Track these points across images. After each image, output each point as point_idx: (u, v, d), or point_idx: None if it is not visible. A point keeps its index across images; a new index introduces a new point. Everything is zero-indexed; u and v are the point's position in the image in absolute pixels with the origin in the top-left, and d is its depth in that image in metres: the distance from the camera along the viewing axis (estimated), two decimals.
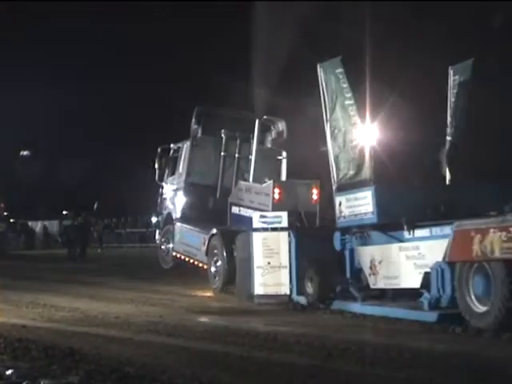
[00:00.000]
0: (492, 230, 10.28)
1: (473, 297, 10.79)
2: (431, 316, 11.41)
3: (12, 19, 48.52)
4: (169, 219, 21.86)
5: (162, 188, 22.55)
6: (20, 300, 15.95)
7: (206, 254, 18.82)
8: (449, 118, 14.67)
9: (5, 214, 43.08)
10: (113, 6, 44.61)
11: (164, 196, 22.47)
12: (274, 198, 17.41)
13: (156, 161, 22.45)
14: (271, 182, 18.03)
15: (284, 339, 10.18)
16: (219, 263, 18.20)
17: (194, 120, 20.87)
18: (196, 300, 16.44)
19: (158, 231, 23.09)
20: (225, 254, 17.81)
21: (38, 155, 56.95)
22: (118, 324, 12.27)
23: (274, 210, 16.73)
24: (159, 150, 22.39)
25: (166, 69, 47.13)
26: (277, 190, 17.50)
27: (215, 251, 18.43)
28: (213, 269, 18.50)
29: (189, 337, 10.76)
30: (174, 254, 21.06)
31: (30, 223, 51.87)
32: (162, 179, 22.52)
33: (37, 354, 9.26)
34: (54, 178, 56.20)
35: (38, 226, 52.04)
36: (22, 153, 57.47)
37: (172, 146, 21.99)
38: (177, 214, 21.31)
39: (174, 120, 22.45)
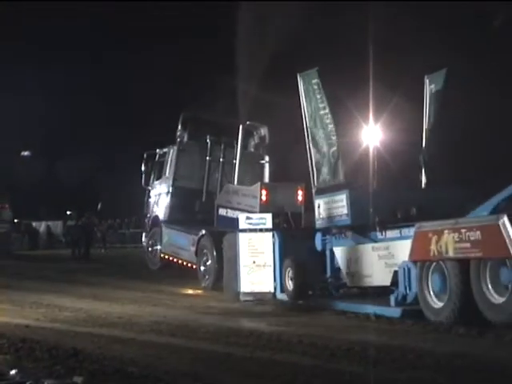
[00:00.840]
0: (446, 232, 11.18)
1: (431, 293, 11.63)
2: (396, 312, 12.23)
3: (12, 19, 48.51)
4: (155, 222, 22.60)
5: (149, 192, 23.29)
6: (23, 300, 15.99)
7: (196, 254, 19.52)
8: (425, 125, 15.41)
9: (9, 214, 43.02)
10: (111, 6, 44.61)
11: (150, 199, 23.21)
12: (261, 200, 18.06)
13: (142, 165, 23.30)
14: (258, 184, 18.69)
15: (287, 339, 10.20)
16: (209, 262, 18.92)
17: (180, 125, 21.64)
18: (198, 300, 16.47)
19: (144, 234, 23.74)
20: (215, 253, 18.49)
21: (40, 156, 56.90)
22: (122, 324, 12.30)
23: (261, 211, 17.43)
24: (145, 155, 23.29)
25: (166, 69, 47.21)
26: (264, 192, 18.14)
27: (205, 251, 19.16)
28: (202, 268, 19.25)
29: (192, 337, 10.79)
30: (162, 255, 21.76)
31: (33, 224, 51.83)
32: (148, 183, 23.34)
33: (40, 354, 9.28)
34: (57, 179, 56.20)
35: (41, 226, 51.99)
36: (22, 153, 57.39)
37: (158, 151, 22.84)
38: (164, 217, 22.05)
39: (176, 120, 22.65)
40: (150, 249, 22.73)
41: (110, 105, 54.63)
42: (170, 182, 21.74)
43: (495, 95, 14.23)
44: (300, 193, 18.28)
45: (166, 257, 21.53)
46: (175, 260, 21.09)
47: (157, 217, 22.45)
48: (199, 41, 42.95)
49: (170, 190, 21.71)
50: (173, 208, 21.62)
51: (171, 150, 21.86)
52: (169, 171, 21.92)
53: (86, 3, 45.63)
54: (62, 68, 49.49)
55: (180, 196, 21.43)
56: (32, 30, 53.84)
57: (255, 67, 18.60)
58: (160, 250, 21.94)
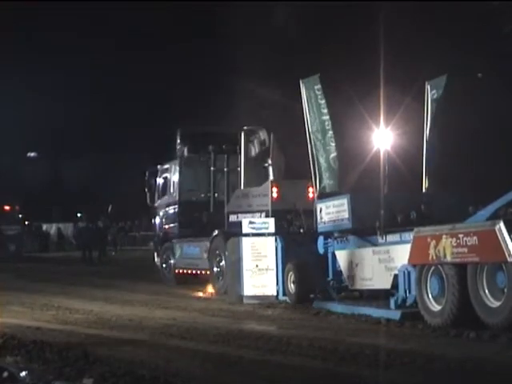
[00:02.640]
0: (444, 236, 11.34)
1: (430, 296, 11.80)
2: (395, 314, 12.42)
3: (13, 20, 48.69)
4: (166, 238, 22.55)
5: (156, 209, 23.37)
6: (34, 302, 16.04)
7: (209, 256, 19.33)
8: (426, 131, 15.49)
9: (19, 216, 43.21)
10: (112, 6, 44.85)
11: (158, 217, 23.28)
12: (272, 197, 18.19)
13: (146, 184, 23.50)
14: (269, 181, 18.81)
15: (297, 343, 10.17)
16: (222, 263, 18.73)
17: (179, 140, 21.69)
18: (209, 303, 16.47)
19: (156, 253, 23.46)
20: (227, 252, 18.23)
21: (50, 158, 56.97)
22: (132, 326, 12.32)
23: (273, 208, 17.78)
24: (147, 173, 23.38)
25: (167, 69, 47.51)
26: (275, 189, 18.27)
27: (217, 251, 19.01)
28: (216, 269, 19.04)
29: (202, 339, 10.78)
30: (177, 270, 21.56)
31: (44, 226, 51.96)
32: (153, 201, 23.42)
33: (51, 355, 9.30)
34: (66, 181, 56.32)
35: (52, 228, 52.13)
36: (28, 154, 57.37)
37: (159, 167, 22.91)
38: (174, 233, 22.02)
39: (180, 122, 22.72)
40: (164, 265, 22.41)
41: (120, 106, 54.80)
42: (176, 198, 21.82)
43: (497, 100, 14.26)
44: (311, 189, 18.16)
45: (181, 271, 21.32)
46: (190, 272, 20.89)
47: (167, 233, 22.51)
48: (197, 43, 43.03)
49: (177, 205, 21.78)
50: (181, 222, 21.66)
51: (173, 166, 22.00)
52: (173, 187, 22.02)
53: (86, 4, 45.99)
54: (68, 69, 49.86)
55: (187, 210, 21.44)
56: (34, 32, 54.10)
57: (254, 70, 18.69)
58: (174, 264, 21.72)
